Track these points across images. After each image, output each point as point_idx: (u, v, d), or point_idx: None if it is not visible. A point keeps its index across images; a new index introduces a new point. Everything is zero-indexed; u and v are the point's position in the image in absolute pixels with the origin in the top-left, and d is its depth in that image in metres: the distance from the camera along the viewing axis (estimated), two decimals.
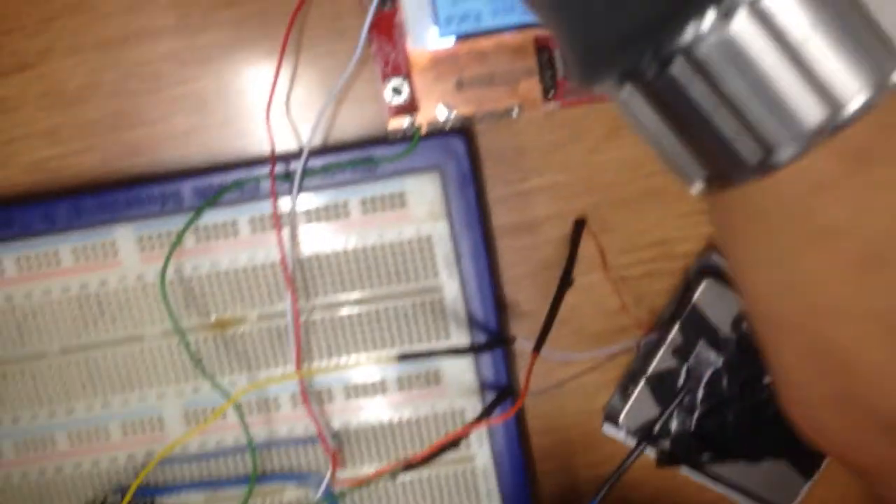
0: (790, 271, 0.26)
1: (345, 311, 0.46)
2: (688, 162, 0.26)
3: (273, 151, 0.45)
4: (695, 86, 0.24)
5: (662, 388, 0.46)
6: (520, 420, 0.48)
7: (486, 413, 0.45)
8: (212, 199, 0.44)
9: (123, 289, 0.46)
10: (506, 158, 0.47)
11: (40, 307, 0.46)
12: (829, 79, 0.23)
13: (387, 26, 0.44)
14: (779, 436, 0.46)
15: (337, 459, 0.46)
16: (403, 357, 0.45)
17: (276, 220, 0.44)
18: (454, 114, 0.44)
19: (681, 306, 0.46)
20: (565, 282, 0.46)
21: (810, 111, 0.24)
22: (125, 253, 0.45)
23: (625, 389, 0.47)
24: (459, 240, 0.45)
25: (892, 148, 0.24)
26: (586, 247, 0.47)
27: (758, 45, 0.23)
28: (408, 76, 0.44)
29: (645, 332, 0.47)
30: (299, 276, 0.45)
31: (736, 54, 0.23)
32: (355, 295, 0.46)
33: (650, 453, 0.47)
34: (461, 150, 0.45)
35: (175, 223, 0.45)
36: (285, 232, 0.44)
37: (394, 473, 0.45)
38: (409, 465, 0.45)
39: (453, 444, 0.45)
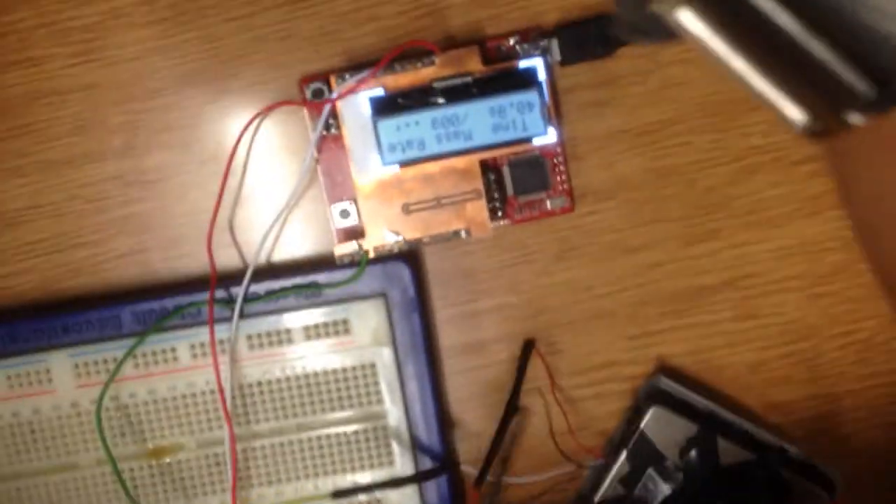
0: None
1: (286, 439, 0.39)
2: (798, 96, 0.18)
3: (213, 279, 0.39)
4: None
5: None
6: None
7: None
8: (151, 329, 0.39)
9: (58, 416, 0.39)
10: (455, 279, 0.41)
11: None
12: None
13: (334, 149, 0.39)
14: None
15: None
16: (339, 494, 0.39)
17: (213, 350, 0.38)
18: (401, 239, 0.38)
19: (628, 433, 0.40)
20: (511, 409, 0.40)
21: None
22: (60, 380, 0.39)
23: None
24: (404, 366, 0.39)
25: None
26: (536, 367, 0.41)
27: None
28: (354, 200, 0.39)
29: (594, 456, 0.41)
30: (240, 402, 0.39)
31: None
32: (297, 421, 0.40)
33: None
34: (406, 277, 0.39)
35: (113, 349, 0.39)
36: (225, 359, 0.39)
37: None
38: None
39: None
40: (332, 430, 0.39)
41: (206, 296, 0.38)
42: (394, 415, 0.39)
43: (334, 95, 0.38)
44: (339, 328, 0.39)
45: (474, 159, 0.37)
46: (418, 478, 0.39)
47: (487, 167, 0.38)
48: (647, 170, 0.40)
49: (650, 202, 0.40)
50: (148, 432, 0.39)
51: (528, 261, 0.41)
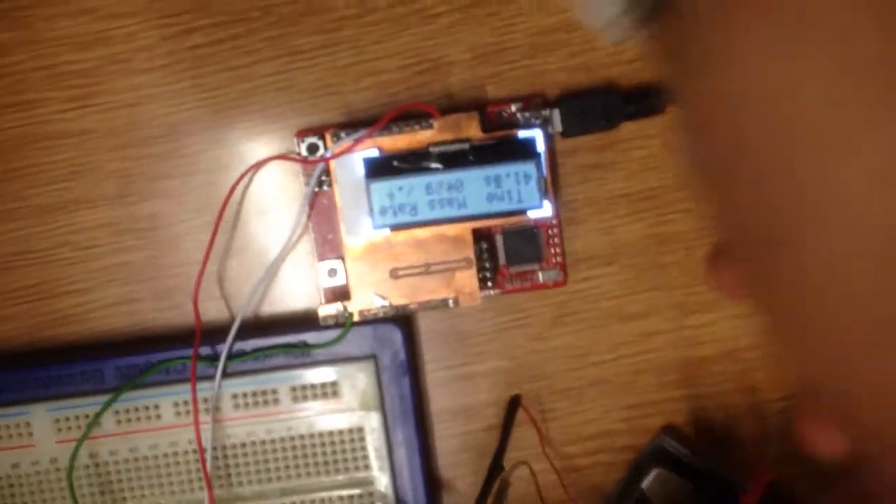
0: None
1: (270, 503, 0.34)
2: None
3: (198, 334, 0.34)
4: None
5: None
6: None
7: None
8: (131, 383, 0.33)
9: (37, 471, 0.34)
10: (448, 341, 0.36)
11: None
12: None
13: (326, 205, 0.34)
14: None
15: None
16: None
17: (195, 408, 0.33)
18: (387, 304, 0.33)
19: (627, 492, 0.35)
20: (495, 468, 0.35)
21: None
22: (40, 434, 0.34)
23: None
24: (393, 431, 0.34)
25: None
26: (529, 434, 0.36)
27: None
28: (343, 260, 0.34)
29: None
30: (222, 463, 0.34)
31: None
32: (281, 485, 0.34)
33: None
34: (397, 340, 0.34)
35: (93, 404, 0.33)
36: (208, 419, 0.33)
37: None
38: None
39: None
40: (318, 496, 0.34)
41: (191, 351, 0.33)
42: (381, 482, 0.34)
43: (329, 154, 0.32)
44: (328, 390, 0.34)
45: (467, 227, 0.32)
46: None
47: (480, 235, 0.33)
48: (647, 236, 0.35)
49: (649, 269, 0.35)
50: (128, 491, 0.34)
51: (523, 325, 0.36)
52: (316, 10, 0.34)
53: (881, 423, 0.15)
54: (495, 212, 0.31)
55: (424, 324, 0.35)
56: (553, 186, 0.33)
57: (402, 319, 0.34)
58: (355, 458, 0.34)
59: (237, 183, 0.34)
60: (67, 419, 0.33)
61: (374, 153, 0.32)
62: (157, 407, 0.33)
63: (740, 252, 0.17)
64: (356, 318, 0.33)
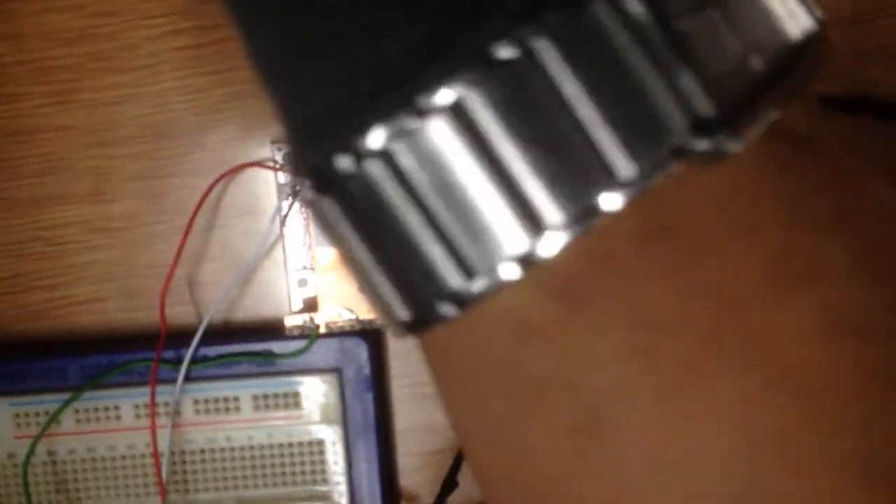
0: (504, 434, 0.15)
1: None
2: (389, 294, 0.15)
3: (162, 336, 0.34)
4: (379, 193, 0.14)
5: None
6: None
7: None
8: (92, 382, 0.33)
9: None
10: (416, 357, 0.36)
11: None
12: (522, 202, 0.14)
13: (300, 214, 0.34)
14: None
15: None
16: None
17: (152, 412, 0.33)
18: (354, 317, 0.33)
19: None
20: (449, 484, 0.35)
21: (504, 238, 0.14)
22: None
23: None
24: (354, 447, 0.34)
25: (604, 284, 0.14)
26: None
27: (427, 161, 0.14)
28: (314, 270, 0.34)
29: None
30: (180, 469, 0.34)
31: (420, 162, 0.14)
32: (238, 494, 0.34)
33: None
34: (363, 354, 0.34)
35: (54, 402, 0.33)
36: (166, 423, 0.33)
37: None
38: None
39: None
40: None
41: (153, 353, 0.33)
42: (340, 496, 0.34)
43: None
44: (290, 401, 0.33)
45: None
46: None
47: None
48: None
49: None
50: (83, 491, 0.34)
51: None
52: None
53: None
54: None
55: (393, 339, 0.35)
56: None
57: (370, 334, 0.34)
58: (314, 472, 0.33)
59: (211, 188, 0.34)
60: (27, 415, 0.33)
61: None
62: (117, 408, 0.33)
63: None
64: (322, 329, 0.33)
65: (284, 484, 0.34)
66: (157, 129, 0.35)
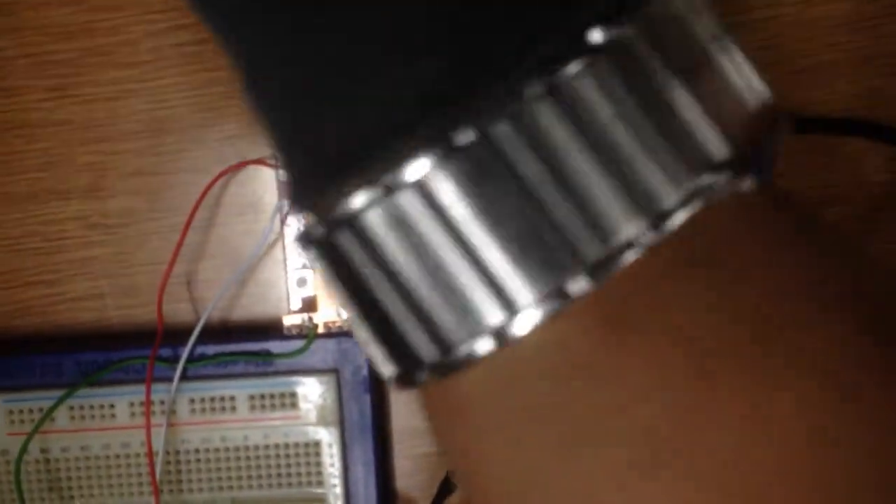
0: (549, 481, 0.15)
1: None
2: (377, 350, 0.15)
3: (159, 333, 0.34)
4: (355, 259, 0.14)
5: None
6: None
7: None
8: (87, 379, 0.33)
9: None
10: None
11: None
12: (490, 279, 0.14)
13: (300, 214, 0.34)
14: None
15: None
16: None
17: (147, 410, 0.33)
18: None
19: None
20: (446, 486, 0.35)
21: (484, 311, 0.14)
22: None
23: None
24: (350, 449, 0.34)
25: (646, 313, 0.14)
26: None
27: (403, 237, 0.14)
28: (314, 270, 0.34)
29: None
30: (174, 468, 0.34)
31: (392, 234, 0.14)
32: (232, 495, 0.34)
33: None
34: (361, 356, 0.33)
35: (49, 398, 0.33)
36: (161, 421, 0.33)
37: None
38: None
39: None
40: None
41: (150, 351, 0.33)
42: (334, 499, 0.34)
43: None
44: (286, 402, 0.33)
45: None
46: None
47: None
48: None
49: None
50: (76, 490, 0.34)
51: None
52: None
53: None
54: None
55: None
56: None
57: None
58: (309, 473, 0.33)
59: (211, 185, 0.34)
60: (21, 411, 0.33)
61: None
62: (112, 406, 0.33)
63: None
64: (321, 329, 0.33)
65: (280, 485, 0.33)
66: (157, 125, 0.35)
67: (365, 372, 0.33)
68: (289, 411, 0.33)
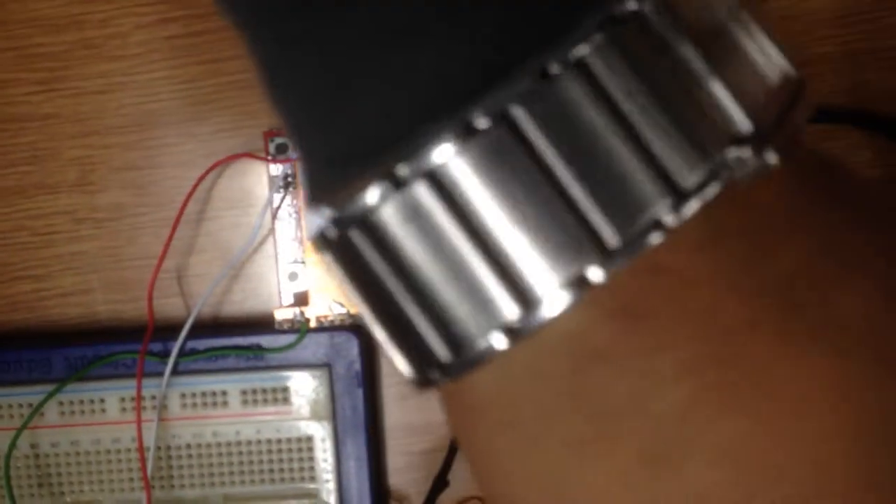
0: (566, 476, 0.14)
1: None
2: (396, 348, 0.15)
3: (150, 328, 0.34)
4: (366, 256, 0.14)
5: None
6: None
7: None
8: (77, 374, 0.33)
9: None
10: None
11: None
12: (509, 270, 0.13)
13: (291, 208, 0.34)
14: None
15: None
16: None
17: (138, 405, 0.33)
18: (345, 312, 0.33)
19: None
20: (440, 482, 0.35)
21: (502, 306, 0.13)
22: None
23: None
24: (343, 444, 0.34)
25: (662, 298, 0.14)
26: None
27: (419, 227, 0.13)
28: (305, 264, 0.34)
29: None
30: (165, 464, 0.34)
31: (404, 225, 0.13)
32: (224, 491, 0.34)
33: None
34: (353, 350, 0.34)
35: (37, 393, 0.33)
36: (152, 416, 0.33)
37: None
38: None
39: None
40: None
41: (140, 346, 0.33)
42: (326, 495, 0.34)
43: (295, 155, 0.33)
44: (278, 396, 0.33)
45: None
46: None
47: None
48: None
49: None
50: (66, 485, 0.34)
51: None
52: None
53: None
54: None
55: None
56: None
57: (361, 329, 0.34)
58: (302, 469, 0.33)
59: (201, 178, 0.34)
60: (10, 406, 0.33)
61: None
62: (102, 401, 0.33)
63: None
64: (313, 323, 0.33)
65: (272, 481, 0.33)
66: (146, 118, 0.35)
67: (358, 366, 0.33)
68: (281, 406, 0.33)
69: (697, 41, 0.13)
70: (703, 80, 0.13)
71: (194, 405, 0.33)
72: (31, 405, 0.33)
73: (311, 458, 0.33)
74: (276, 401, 0.33)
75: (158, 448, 0.33)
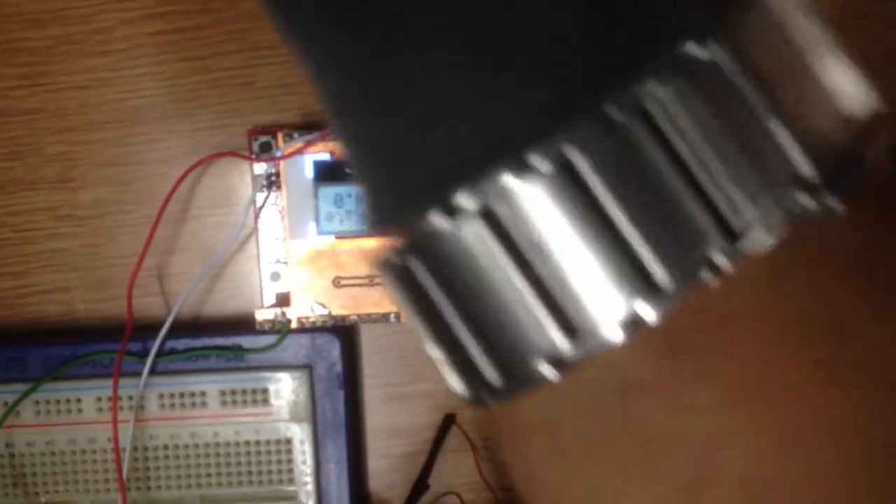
0: (607, 501, 0.15)
1: None
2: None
3: (129, 327, 0.33)
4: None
5: None
6: None
7: None
8: (53, 373, 0.33)
9: None
10: (389, 358, 0.36)
11: None
12: (630, 263, 0.13)
13: (274, 208, 0.34)
14: None
15: None
16: None
17: (114, 405, 0.32)
18: (327, 313, 0.33)
19: None
20: (421, 484, 0.35)
21: (609, 299, 0.14)
22: None
23: None
24: (322, 446, 0.34)
25: (705, 329, 0.14)
26: (467, 462, 0.36)
27: (487, 250, 0.14)
28: (287, 265, 0.33)
29: None
30: (142, 465, 0.34)
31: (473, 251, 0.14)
32: (201, 493, 0.34)
33: None
34: (335, 351, 0.33)
35: (12, 392, 0.33)
36: (129, 417, 0.33)
37: None
38: None
39: None
40: None
41: (119, 345, 0.33)
42: (305, 497, 0.33)
43: (279, 154, 0.32)
44: (258, 398, 0.33)
45: None
46: None
47: None
48: None
49: None
50: (41, 485, 0.33)
51: None
52: None
53: None
54: None
55: (368, 337, 0.35)
56: None
57: (343, 331, 0.33)
58: (280, 471, 0.33)
59: (184, 176, 0.34)
60: None
61: (325, 157, 0.32)
62: (78, 400, 0.33)
63: None
64: (294, 324, 0.32)
65: (250, 483, 0.33)
66: (129, 115, 0.35)
67: (339, 368, 0.33)
68: (260, 407, 0.33)
69: (768, 82, 0.13)
70: (767, 122, 0.13)
71: (172, 406, 0.33)
72: (6, 404, 0.33)
73: (290, 461, 0.33)
74: (255, 402, 0.33)
75: (135, 449, 0.33)
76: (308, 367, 0.33)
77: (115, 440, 0.32)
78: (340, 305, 0.32)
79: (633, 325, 0.13)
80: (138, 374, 0.33)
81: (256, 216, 0.33)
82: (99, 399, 0.33)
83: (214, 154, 0.34)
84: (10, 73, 0.35)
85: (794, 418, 0.13)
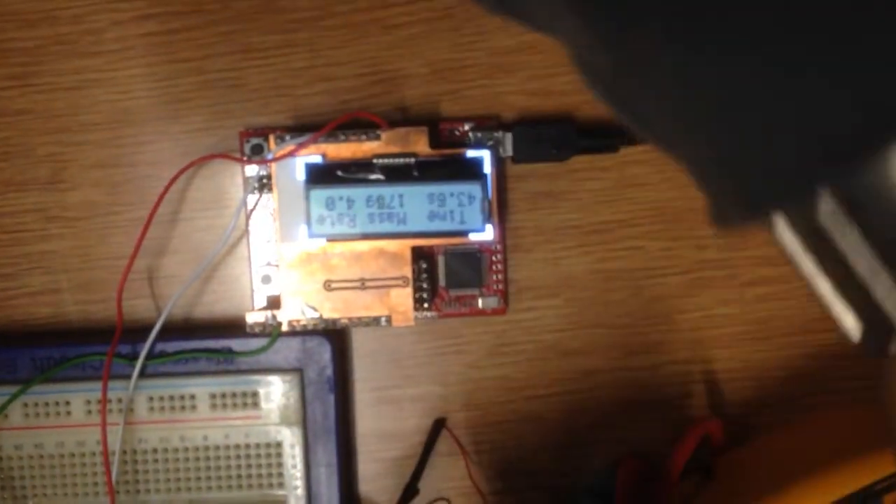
0: None
1: None
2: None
3: (118, 329, 0.33)
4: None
5: None
6: None
7: None
8: (42, 375, 0.33)
9: None
10: (380, 362, 0.36)
11: None
12: None
13: (265, 210, 0.34)
14: None
15: None
16: None
17: (103, 408, 0.32)
18: (318, 316, 0.33)
19: None
20: (411, 489, 0.35)
21: None
22: None
23: None
24: (313, 450, 0.34)
25: None
26: (457, 466, 0.36)
27: None
28: (277, 267, 0.34)
29: None
30: (131, 468, 0.34)
31: None
32: (190, 497, 0.34)
33: None
34: (325, 355, 0.34)
35: (4, 394, 0.33)
36: (118, 420, 0.33)
37: None
38: None
39: None
40: None
41: (108, 347, 0.33)
42: (295, 501, 0.33)
43: (270, 156, 0.32)
44: (248, 401, 0.33)
45: (406, 244, 0.32)
46: None
47: (421, 254, 0.33)
48: (594, 270, 0.35)
49: (594, 305, 0.35)
50: (29, 489, 0.33)
51: (459, 351, 0.35)
52: (274, 8, 0.34)
53: None
54: (436, 231, 0.31)
55: (358, 341, 0.35)
56: (499, 211, 0.33)
57: (334, 334, 0.33)
58: (270, 475, 0.33)
59: (175, 178, 0.34)
60: None
61: (317, 159, 0.32)
62: (67, 403, 0.33)
63: None
64: (285, 327, 0.32)
65: (240, 487, 0.33)
66: (120, 116, 0.35)
67: (329, 372, 0.33)
68: (250, 411, 0.33)
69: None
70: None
71: (162, 409, 0.33)
72: None
73: (281, 464, 0.33)
74: (245, 405, 0.33)
75: (124, 452, 0.33)
76: (298, 371, 0.33)
77: (104, 443, 0.32)
78: (331, 308, 0.32)
79: None
80: (128, 376, 0.33)
81: (248, 218, 0.33)
82: (88, 402, 0.33)
83: (206, 156, 0.34)
84: (0, 74, 0.35)
85: None
